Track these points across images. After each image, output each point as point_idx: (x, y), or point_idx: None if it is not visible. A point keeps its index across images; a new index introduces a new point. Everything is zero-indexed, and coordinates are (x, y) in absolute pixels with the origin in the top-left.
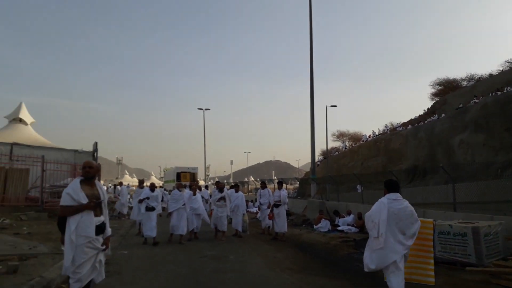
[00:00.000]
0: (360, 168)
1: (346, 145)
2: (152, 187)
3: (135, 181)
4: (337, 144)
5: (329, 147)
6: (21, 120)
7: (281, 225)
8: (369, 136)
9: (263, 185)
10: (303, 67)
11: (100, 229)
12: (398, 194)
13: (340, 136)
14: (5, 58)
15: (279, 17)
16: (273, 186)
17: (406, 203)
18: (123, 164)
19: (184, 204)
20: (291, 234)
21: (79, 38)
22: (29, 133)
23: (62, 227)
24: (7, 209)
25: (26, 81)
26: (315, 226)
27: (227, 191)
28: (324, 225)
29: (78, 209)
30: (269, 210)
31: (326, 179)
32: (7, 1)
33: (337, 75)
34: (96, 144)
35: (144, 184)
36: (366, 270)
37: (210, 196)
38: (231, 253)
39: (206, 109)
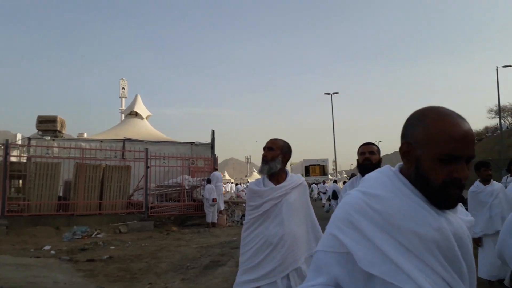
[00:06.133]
0: None
1: (508, 123)
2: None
3: None
4: (495, 121)
5: (483, 126)
6: (137, 114)
7: None
8: None
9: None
10: (441, 41)
11: None
12: None
13: (502, 111)
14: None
15: None
16: None
17: None
18: (251, 162)
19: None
20: None
21: (208, 49)
22: (145, 127)
23: None
24: (105, 219)
25: (163, 94)
26: None
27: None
28: None
29: None
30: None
31: None
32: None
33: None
34: (213, 132)
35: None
36: None
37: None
38: None
39: (334, 93)
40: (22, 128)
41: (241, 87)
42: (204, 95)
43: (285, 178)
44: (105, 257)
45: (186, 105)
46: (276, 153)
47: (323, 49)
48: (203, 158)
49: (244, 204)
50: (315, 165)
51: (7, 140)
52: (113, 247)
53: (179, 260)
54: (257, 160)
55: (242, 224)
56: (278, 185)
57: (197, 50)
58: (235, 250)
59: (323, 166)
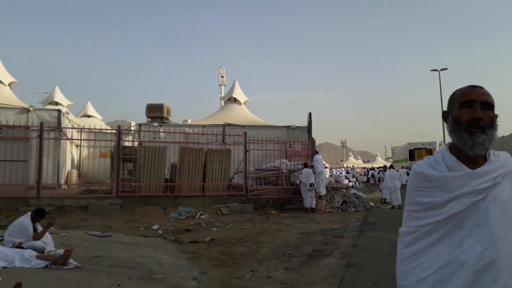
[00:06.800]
0: None
1: None
2: None
3: (359, 163)
4: None
5: None
6: (235, 100)
7: None
8: None
9: None
10: None
11: None
12: None
13: None
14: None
15: None
16: None
17: None
18: (347, 147)
19: None
20: None
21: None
22: (243, 112)
23: None
24: (207, 200)
25: (256, 81)
26: None
27: None
28: None
29: None
30: None
31: None
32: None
33: None
34: (310, 115)
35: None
36: None
37: None
38: None
39: (443, 69)
40: (137, 117)
41: (334, 70)
42: (298, 80)
43: (485, 158)
44: (208, 239)
45: (280, 91)
46: (495, 115)
47: (425, 22)
48: (300, 141)
49: (344, 190)
50: (421, 148)
51: (119, 126)
52: (215, 229)
53: (280, 246)
54: (353, 144)
55: (342, 210)
56: (479, 169)
57: (290, 36)
58: (339, 239)
59: (430, 149)
